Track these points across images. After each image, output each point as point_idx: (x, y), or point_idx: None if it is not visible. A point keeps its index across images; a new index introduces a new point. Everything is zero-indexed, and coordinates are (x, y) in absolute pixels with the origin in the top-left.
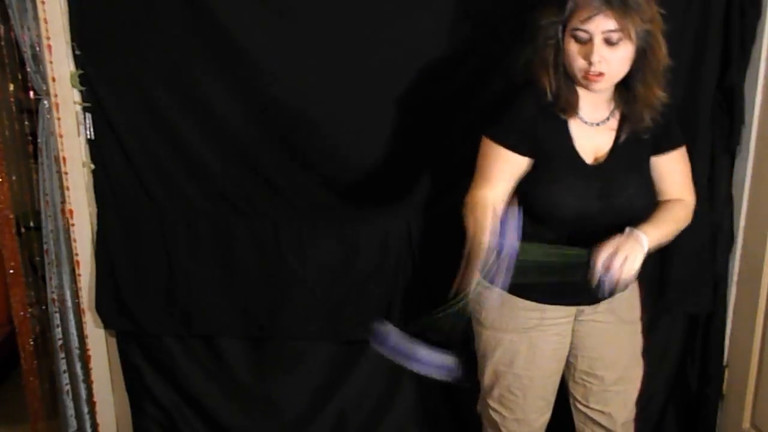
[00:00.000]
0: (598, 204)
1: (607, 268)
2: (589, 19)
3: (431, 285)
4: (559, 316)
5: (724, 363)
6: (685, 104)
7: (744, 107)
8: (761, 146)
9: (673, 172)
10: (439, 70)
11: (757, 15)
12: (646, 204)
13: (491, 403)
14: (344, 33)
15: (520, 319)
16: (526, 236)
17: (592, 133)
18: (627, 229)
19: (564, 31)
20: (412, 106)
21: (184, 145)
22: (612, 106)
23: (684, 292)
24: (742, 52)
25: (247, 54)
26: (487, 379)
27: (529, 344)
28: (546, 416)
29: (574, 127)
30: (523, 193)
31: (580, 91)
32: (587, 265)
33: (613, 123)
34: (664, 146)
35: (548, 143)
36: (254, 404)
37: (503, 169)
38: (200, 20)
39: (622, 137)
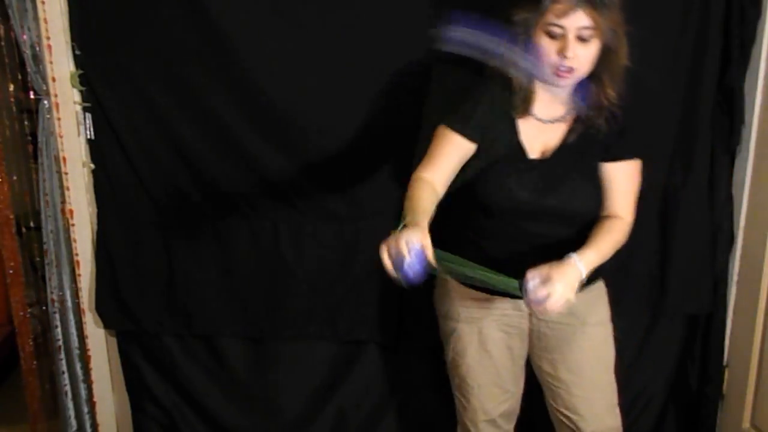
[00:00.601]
0: (535, 197)
1: (539, 295)
2: (565, 14)
3: (431, 285)
4: (506, 308)
5: (724, 363)
6: (685, 104)
7: (744, 107)
8: (761, 146)
9: (617, 182)
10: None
11: (757, 15)
12: (588, 206)
13: (454, 390)
14: (342, 36)
15: (469, 309)
16: (476, 229)
17: (544, 130)
18: (568, 257)
19: (535, 24)
20: (412, 106)
21: (183, 145)
22: (569, 105)
23: (684, 293)
24: (742, 52)
25: (246, 55)
26: (448, 367)
27: (479, 334)
28: (505, 406)
29: (524, 121)
30: (468, 184)
31: (539, 88)
32: (518, 290)
33: (568, 122)
34: (612, 154)
35: (494, 134)
36: (254, 404)
37: (451, 153)
38: (200, 21)
39: (572, 136)
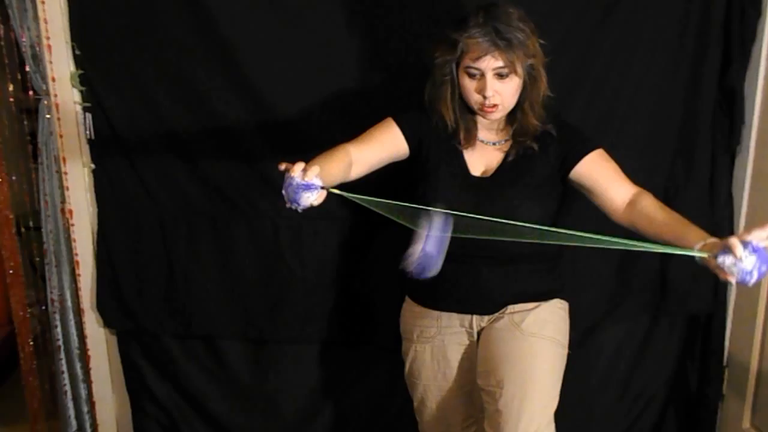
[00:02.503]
0: (474, 212)
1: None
2: (479, 58)
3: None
4: (454, 325)
5: (724, 363)
6: (685, 104)
7: (744, 107)
8: (761, 146)
9: (599, 173)
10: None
11: (757, 15)
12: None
13: (415, 413)
14: (343, 37)
15: (420, 328)
16: None
17: (485, 151)
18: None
19: (458, 68)
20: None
21: (184, 144)
22: (508, 130)
23: (684, 293)
24: (742, 52)
25: (246, 55)
26: (408, 388)
27: (431, 354)
28: (471, 429)
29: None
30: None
31: (478, 117)
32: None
33: (507, 144)
34: (571, 160)
35: (437, 155)
36: (254, 404)
37: (384, 141)
38: (200, 20)
39: (510, 156)
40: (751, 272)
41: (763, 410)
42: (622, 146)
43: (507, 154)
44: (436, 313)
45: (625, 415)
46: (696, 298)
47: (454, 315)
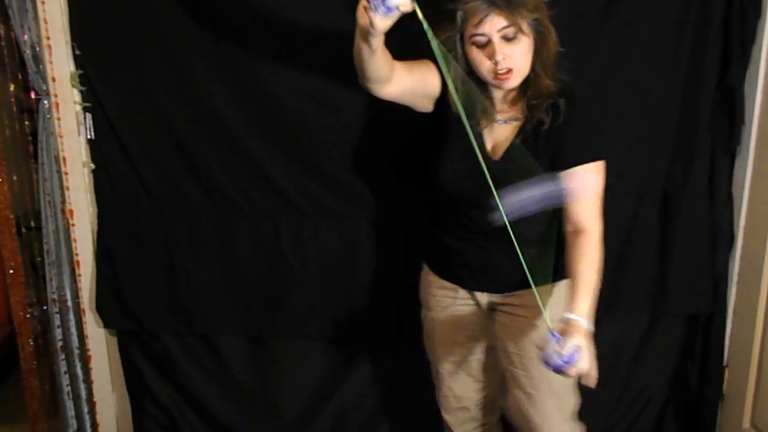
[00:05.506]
0: (475, 189)
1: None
2: (481, 22)
3: None
4: (468, 298)
5: (724, 363)
6: (685, 104)
7: (744, 107)
8: (761, 146)
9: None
10: None
11: (757, 15)
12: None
13: (433, 377)
14: (346, 35)
15: (437, 297)
16: (433, 219)
17: (496, 128)
18: (573, 321)
19: (462, 40)
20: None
21: (184, 144)
22: (519, 106)
23: (684, 292)
24: (742, 52)
25: (247, 54)
26: (427, 354)
27: (444, 323)
28: (480, 395)
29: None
30: (427, 167)
31: (493, 91)
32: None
33: (519, 121)
34: (559, 163)
35: (456, 124)
36: (254, 404)
37: (420, 65)
38: (200, 20)
39: (521, 135)
40: (550, 363)
41: (763, 410)
42: (621, 146)
43: (516, 136)
44: (452, 284)
45: (625, 414)
46: (696, 298)
47: (470, 291)
